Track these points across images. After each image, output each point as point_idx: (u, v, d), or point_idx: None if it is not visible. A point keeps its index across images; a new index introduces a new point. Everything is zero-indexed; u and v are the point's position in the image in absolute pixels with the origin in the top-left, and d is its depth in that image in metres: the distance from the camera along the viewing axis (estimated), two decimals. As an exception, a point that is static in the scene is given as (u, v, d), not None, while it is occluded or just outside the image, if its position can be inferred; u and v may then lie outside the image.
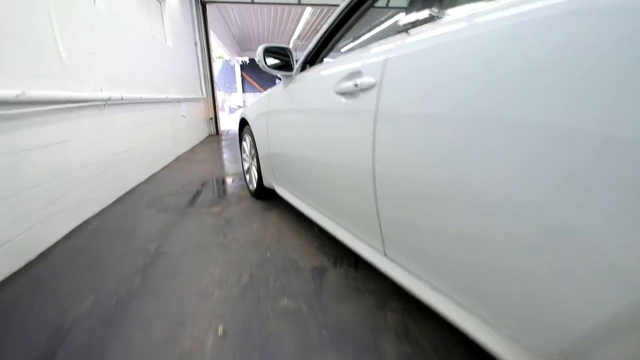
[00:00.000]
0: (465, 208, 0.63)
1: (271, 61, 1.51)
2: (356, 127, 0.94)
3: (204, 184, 2.67)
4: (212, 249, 1.54)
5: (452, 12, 0.77)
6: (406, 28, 0.83)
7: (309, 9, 7.75)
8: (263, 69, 1.47)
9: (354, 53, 1.04)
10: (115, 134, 2.33)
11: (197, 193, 2.42)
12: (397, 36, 0.84)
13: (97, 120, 2.08)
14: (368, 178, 0.90)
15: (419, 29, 0.79)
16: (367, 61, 0.91)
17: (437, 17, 0.78)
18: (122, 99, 2.33)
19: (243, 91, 18.75)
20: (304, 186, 1.46)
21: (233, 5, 7.03)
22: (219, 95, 13.84)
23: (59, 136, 1.71)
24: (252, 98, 18.58)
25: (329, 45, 1.41)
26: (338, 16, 1.27)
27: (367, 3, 1.21)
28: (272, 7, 7.03)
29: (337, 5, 5.11)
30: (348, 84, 0.96)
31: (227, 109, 13.29)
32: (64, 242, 1.65)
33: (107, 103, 2.17)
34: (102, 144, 2.14)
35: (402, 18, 0.86)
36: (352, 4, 1.22)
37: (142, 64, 2.98)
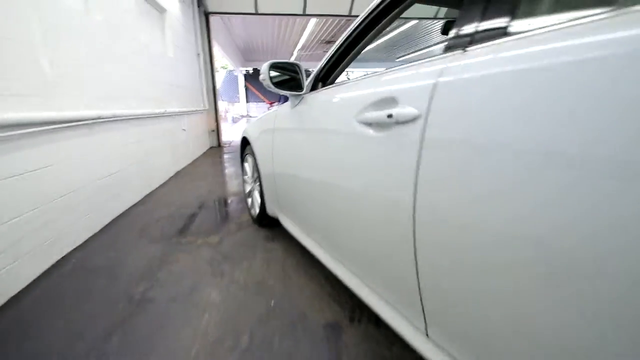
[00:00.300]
0: (557, 277, 0.45)
1: (278, 78, 1.32)
2: (390, 167, 0.73)
3: (202, 206, 2.47)
4: (207, 293, 1.33)
5: (528, 26, 0.57)
6: (461, 44, 0.63)
7: (313, 19, 7.66)
8: (268, 87, 1.28)
9: (382, 74, 0.85)
10: (107, 154, 2.14)
11: (194, 217, 2.22)
12: (449, 54, 0.64)
13: (86, 140, 1.90)
14: (405, 227, 0.70)
15: (480, 46, 0.59)
16: (406, 85, 0.71)
17: (507, 32, 0.58)
18: (114, 116, 2.15)
19: (247, 101, 18.70)
20: (315, 223, 1.25)
21: (237, 16, 6.94)
22: (222, 105, 13.76)
23: (40, 162, 1.52)
24: (255, 108, 18.52)
25: (345, 61, 1.21)
26: (357, 27, 1.09)
27: (393, 13, 1.03)
28: (277, 17, 6.94)
29: (344, 16, 4.97)
30: (377, 114, 0.76)
31: (230, 119, 13.18)
32: (40, 282, 1.44)
33: (98, 121, 1.99)
34: (92, 165, 1.95)
35: (454, 30, 0.67)
36: (374, 13, 1.04)
37: (140, 77, 2.81)
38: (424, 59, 0.71)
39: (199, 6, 5.24)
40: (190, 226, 2.05)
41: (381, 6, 1.02)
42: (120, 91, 2.39)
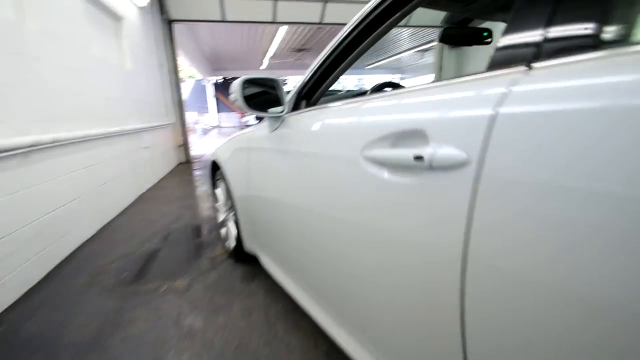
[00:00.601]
0: None
1: (252, 97, 1.09)
2: (424, 218, 0.53)
3: (167, 237, 2.16)
4: (173, 366, 1.06)
5: (623, 35, 0.39)
6: (522, 57, 0.44)
7: (284, 27, 7.49)
8: (241, 108, 1.04)
9: (395, 95, 0.65)
10: (49, 187, 1.80)
11: (158, 254, 1.91)
12: (505, 72, 0.45)
13: (17, 173, 1.56)
14: (449, 294, 0.49)
15: (556, 62, 0.41)
16: (442, 115, 0.51)
17: (599, 42, 0.39)
18: (57, 140, 1.82)
19: (218, 111, 18.14)
20: (309, 274, 1.02)
21: (203, 24, 6.62)
22: (191, 116, 13.21)
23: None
24: (226, 118, 18.02)
25: (334, 75, 1.01)
26: (348, 35, 0.89)
27: (393, 17, 0.84)
28: (246, 25, 6.68)
29: (315, 24, 4.78)
30: (397, 155, 0.56)
31: (200, 131, 12.65)
32: (-53, 364, 1.11)
33: (35, 149, 1.65)
34: (27, 203, 1.61)
35: (507, 38, 0.48)
36: (369, 18, 0.84)
37: (92, 93, 2.47)
38: (462, 76, 0.51)
39: (161, 14, 4.90)
40: (152, 266, 1.75)
41: (379, 9, 0.83)
42: (66, 110, 2.05)
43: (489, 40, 1.28)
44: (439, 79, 6.45)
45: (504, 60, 0.47)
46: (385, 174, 0.59)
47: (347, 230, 0.74)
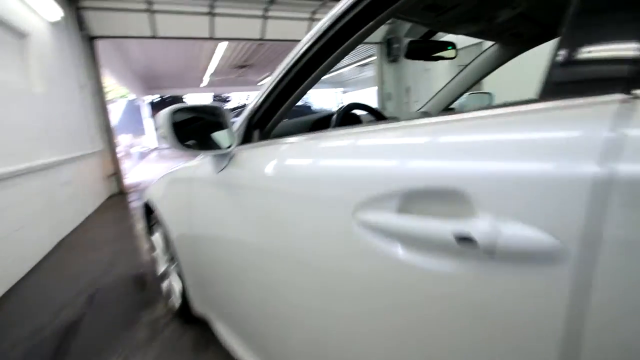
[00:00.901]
0: None
1: (185, 129, 0.84)
2: (471, 328, 0.34)
3: (93, 298, 1.75)
4: None
5: None
6: (615, 81, 0.28)
7: (224, 43, 7.19)
8: (173, 147, 0.78)
9: (399, 127, 0.46)
10: None
11: (80, 324, 1.51)
12: (591, 102, 0.29)
13: None
14: None
15: None
16: (498, 168, 0.33)
17: None
18: None
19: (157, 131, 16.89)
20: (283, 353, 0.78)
21: (133, 40, 6.06)
22: (125, 140, 12.09)
23: None
24: (166, 139, 16.84)
25: (294, 96, 0.81)
26: (310, 48, 0.72)
27: (366, 27, 0.68)
28: (182, 41, 6.27)
29: (256, 40, 4.55)
30: (419, 226, 0.37)
31: (136, 155, 11.55)
32: None
33: None
34: None
35: (566, 53, 0.32)
36: (337, 26, 0.68)
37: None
38: (510, 105, 0.34)
39: (80, 29, 4.33)
40: (72, 345, 1.36)
41: (346, 18, 0.66)
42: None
43: (452, 53, 1.19)
44: (381, 91, 6.51)
45: (575, 84, 0.31)
46: (400, 251, 0.39)
47: (336, 311, 0.54)
